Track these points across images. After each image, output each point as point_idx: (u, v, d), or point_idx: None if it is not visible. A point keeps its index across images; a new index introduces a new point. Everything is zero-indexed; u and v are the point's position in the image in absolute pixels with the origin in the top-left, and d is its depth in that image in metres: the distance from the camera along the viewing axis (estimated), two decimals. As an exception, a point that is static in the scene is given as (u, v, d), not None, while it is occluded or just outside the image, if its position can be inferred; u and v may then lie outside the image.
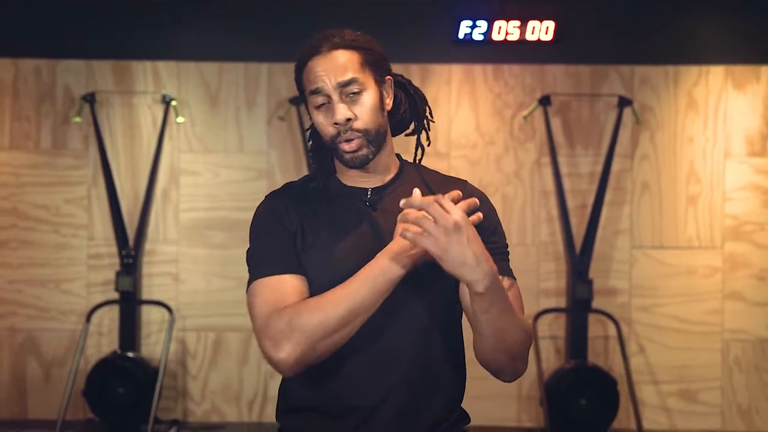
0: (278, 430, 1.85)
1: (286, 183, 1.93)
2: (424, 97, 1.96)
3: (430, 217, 1.58)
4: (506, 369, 1.77)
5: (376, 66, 1.83)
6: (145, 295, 5.33)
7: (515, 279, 1.84)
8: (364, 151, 1.79)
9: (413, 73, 5.32)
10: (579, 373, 5.04)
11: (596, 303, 5.17)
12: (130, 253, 5.16)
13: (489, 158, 5.38)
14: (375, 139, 1.80)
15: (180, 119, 5.27)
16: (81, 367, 5.11)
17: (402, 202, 1.61)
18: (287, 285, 1.72)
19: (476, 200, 1.65)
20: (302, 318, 1.65)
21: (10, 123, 5.36)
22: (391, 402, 1.74)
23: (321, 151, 1.89)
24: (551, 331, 5.34)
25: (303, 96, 1.84)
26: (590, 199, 5.23)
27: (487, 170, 5.36)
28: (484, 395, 5.22)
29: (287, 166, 5.33)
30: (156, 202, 5.35)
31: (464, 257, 1.58)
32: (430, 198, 1.59)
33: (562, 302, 5.30)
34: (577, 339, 5.13)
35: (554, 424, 4.92)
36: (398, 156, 1.92)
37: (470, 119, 5.39)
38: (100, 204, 5.31)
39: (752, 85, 5.36)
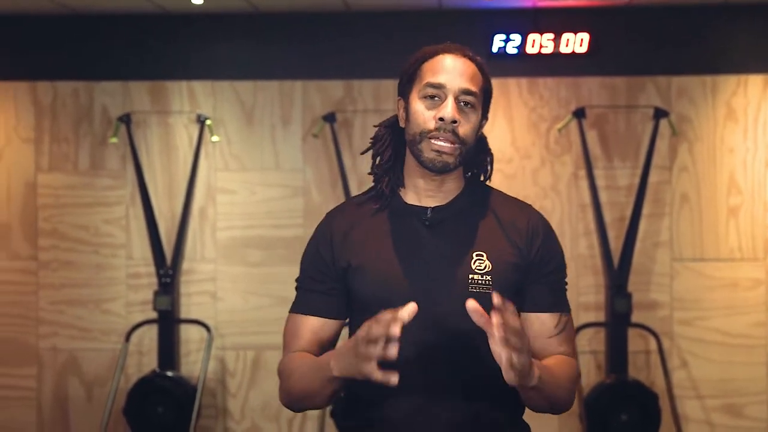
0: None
1: (348, 199, 1.96)
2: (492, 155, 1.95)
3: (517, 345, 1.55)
4: (550, 411, 1.81)
5: (486, 100, 1.85)
6: (184, 314, 5.37)
7: (569, 311, 1.85)
8: (452, 159, 1.77)
9: (447, 87, 5.32)
10: (619, 388, 5.00)
11: (637, 317, 5.13)
12: (168, 272, 5.22)
13: (525, 172, 5.36)
14: (465, 156, 1.80)
15: (215, 138, 5.31)
16: (121, 386, 5.18)
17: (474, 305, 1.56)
18: (305, 327, 1.82)
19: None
20: (282, 378, 1.81)
21: (50, 145, 5.44)
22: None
23: (394, 162, 1.86)
24: (591, 346, 5.30)
25: (407, 83, 1.83)
26: (628, 212, 5.19)
27: (524, 184, 5.34)
28: (525, 411, 5.22)
29: (323, 183, 5.34)
30: (193, 221, 5.40)
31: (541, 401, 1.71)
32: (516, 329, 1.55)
33: (601, 316, 5.26)
34: (616, 353, 5.09)
35: None
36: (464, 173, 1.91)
37: (505, 133, 5.37)
38: (138, 223, 5.36)
39: (792, 93, 5.29)
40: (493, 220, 1.81)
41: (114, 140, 5.29)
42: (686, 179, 5.32)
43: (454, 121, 1.74)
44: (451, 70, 1.77)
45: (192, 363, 5.37)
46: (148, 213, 5.24)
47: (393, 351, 1.54)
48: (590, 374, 5.25)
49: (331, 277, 1.82)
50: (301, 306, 1.85)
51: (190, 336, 5.40)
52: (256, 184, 5.41)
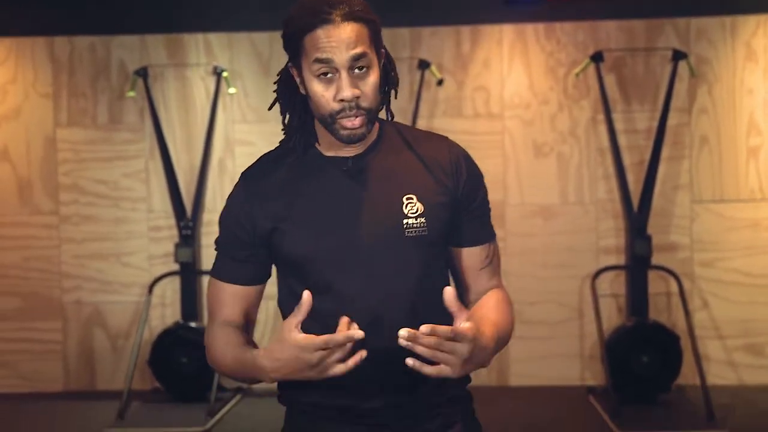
0: (278, 398, 1.89)
1: (262, 156, 1.87)
2: (393, 61, 1.86)
3: (443, 348, 1.56)
4: None
5: (378, 39, 1.76)
6: (205, 265, 5.40)
7: (495, 237, 1.87)
8: (364, 129, 1.72)
9: (464, 34, 5.31)
10: (640, 330, 5.05)
11: (657, 259, 5.15)
12: (188, 224, 5.26)
13: (543, 117, 5.35)
14: (374, 117, 1.75)
15: (232, 90, 5.32)
16: (145, 338, 5.24)
17: (403, 339, 1.55)
18: (227, 294, 1.83)
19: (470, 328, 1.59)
20: (208, 350, 1.83)
21: (68, 100, 5.46)
22: (391, 374, 1.75)
23: (304, 120, 1.81)
24: (612, 289, 5.34)
25: (296, 60, 1.74)
26: (647, 155, 5.18)
27: (542, 130, 5.33)
28: (548, 356, 5.27)
29: (340, 133, 5.35)
30: (212, 173, 5.43)
31: (477, 366, 1.65)
32: (441, 334, 1.55)
33: (621, 259, 5.29)
34: (637, 296, 5.12)
35: (617, 382, 4.92)
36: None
37: (523, 79, 5.36)
38: (158, 177, 5.40)
39: (812, 32, 5.26)
40: (416, 160, 1.79)
41: (131, 94, 5.31)
42: (705, 121, 5.31)
43: (357, 96, 1.69)
44: (335, 43, 1.68)
45: None
46: (167, 166, 5.27)
47: (355, 359, 1.59)
48: (611, 317, 5.29)
49: (251, 244, 1.80)
50: (221, 272, 1.84)
51: None
52: (274, 135, 5.35)
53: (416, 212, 1.74)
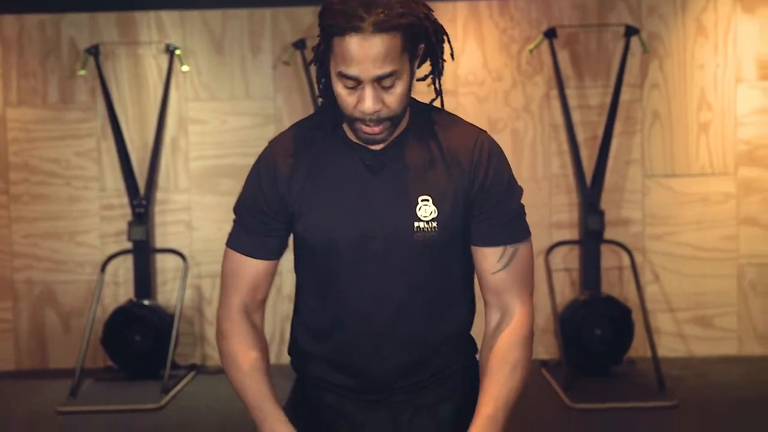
0: (291, 363, 1.96)
1: (293, 126, 1.86)
2: (443, 35, 1.78)
3: None
4: None
5: (415, 40, 1.69)
6: (159, 243, 5.46)
7: (520, 241, 1.82)
8: (384, 135, 1.72)
9: (417, 10, 5.36)
10: (593, 304, 5.17)
11: (609, 234, 5.28)
12: (142, 202, 5.29)
13: (497, 94, 5.42)
14: (399, 121, 1.73)
15: (185, 68, 5.34)
16: (98, 317, 5.27)
17: None
18: (245, 268, 1.83)
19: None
20: (224, 346, 1.86)
21: (17, 79, 5.46)
22: (392, 354, 1.83)
23: (334, 104, 1.76)
24: (565, 264, 5.46)
25: (323, 50, 1.71)
26: (600, 131, 5.28)
27: (496, 106, 5.40)
28: None
29: (294, 111, 5.39)
30: (165, 152, 5.46)
31: None
32: None
33: (575, 234, 5.40)
34: (590, 270, 5.25)
35: (570, 355, 5.04)
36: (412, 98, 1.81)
37: (477, 56, 5.42)
38: (110, 155, 5.42)
39: (762, 8, 5.38)
40: (439, 155, 1.77)
41: (82, 73, 5.32)
42: (657, 96, 5.42)
43: (377, 111, 1.67)
44: (362, 59, 1.62)
45: (168, 292, 5.47)
46: (120, 144, 5.29)
47: None
48: (564, 291, 5.41)
49: (273, 218, 1.81)
50: (241, 245, 1.83)
51: (165, 265, 5.49)
52: (228, 113, 5.46)
53: (429, 215, 1.75)
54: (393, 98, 1.67)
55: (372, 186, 1.76)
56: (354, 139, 1.77)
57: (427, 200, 1.74)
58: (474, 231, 1.80)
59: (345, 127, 1.77)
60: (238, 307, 1.85)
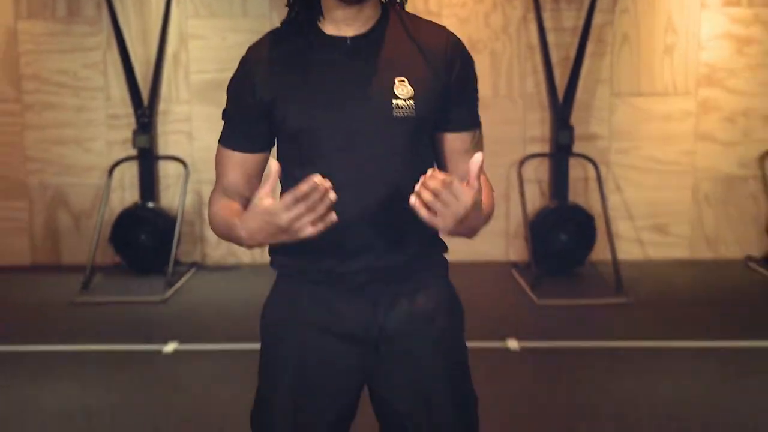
0: (270, 263, 1.96)
1: (268, 33, 1.91)
2: None
3: (441, 199, 1.60)
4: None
5: None
6: (162, 151, 5.77)
7: (480, 127, 1.93)
8: None
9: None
10: (560, 212, 5.51)
11: (578, 148, 5.58)
12: (145, 112, 5.58)
13: (478, 16, 5.69)
14: None
15: (185, -15, 5.58)
16: (106, 218, 5.62)
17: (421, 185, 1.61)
18: (232, 161, 1.89)
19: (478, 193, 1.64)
20: (210, 214, 1.90)
21: (27, -7, 5.71)
22: (368, 242, 1.84)
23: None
24: (536, 175, 5.78)
25: None
26: (573, 52, 5.54)
27: (477, 27, 5.68)
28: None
29: (288, 28, 5.63)
30: (167, 65, 5.73)
31: (466, 231, 1.71)
32: (443, 181, 1.60)
33: (546, 148, 5.71)
34: (559, 181, 5.58)
35: (538, 258, 5.38)
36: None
37: (460, -22, 5.67)
38: (116, 68, 5.69)
39: (728, -64, 5.60)
40: (413, 46, 1.83)
41: (89, -12, 5.56)
42: (627, 20, 5.69)
43: None
44: None
45: (171, 196, 5.81)
46: (124, 57, 5.55)
47: (325, 223, 1.60)
48: (535, 200, 5.74)
49: (255, 112, 1.85)
50: (227, 140, 1.90)
51: (168, 171, 5.82)
52: (226, 30, 5.72)
53: (406, 94, 1.79)
54: None
55: (350, 70, 1.80)
56: (329, 32, 1.83)
57: (404, 81, 1.78)
58: (451, 117, 1.86)
59: (320, 23, 1.83)
60: (221, 190, 1.90)
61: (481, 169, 1.63)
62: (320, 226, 1.59)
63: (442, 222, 1.61)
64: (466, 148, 1.88)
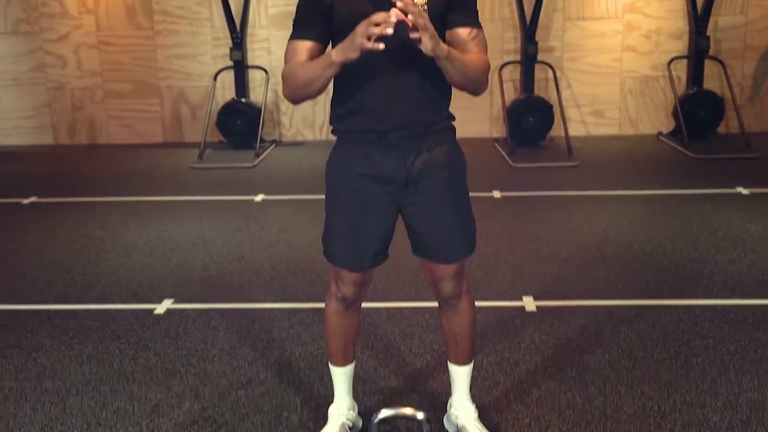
0: (332, 131, 2.29)
1: None
2: None
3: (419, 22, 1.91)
4: (471, 89, 2.22)
5: None
6: (250, 62, 7.64)
7: (481, 27, 2.22)
8: None
9: None
10: (528, 102, 7.19)
11: (541, 57, 7.29)
12: (238, 35, 7.49)
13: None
14: None
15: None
16: (213, 109, 7.48)
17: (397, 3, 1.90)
18: (302, 47, 2.17)
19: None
20: (288, 77, 2.16)
21: (153, -49, 7.61)
22: (399, 114, 2.15)
23: None
24: (511, 76, 7.58)
25: None
26: (538, -12, 7.27)
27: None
28: (467, 117, 6.72)
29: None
30: (253, 2, 7.55)
31: (439, 52, 2.02)
32: (415, 9, 1.91)
33: (518, 56, 7.47)
34: (527, 80, 7.28)
35: (513, 134, 7.04)
36: None
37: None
38: (217, 4, 7.52)
39: None
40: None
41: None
42: (576, -34, 7.44)
43: None
44: None
45: (257, 94, 7.69)
46: (223, -4, 7.49)
47: (381, 45, 1.91)
48: (510, 94, 7.44)
49: (319, 13, 2.14)
50: (297, 34, 2.18)
51: (254, 77, 7.69)
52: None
53: (422, 1, 2.09)
54: None
55: None
56: None
57: None
58: (452, 17, 2.16)
59: None
60: (293, 62, 2.15)
61: (414, 7, 1.94)
62: (370, 44, 1.93)
63: (428, 38, 1.94)
64: (464, 40, 2.18)
